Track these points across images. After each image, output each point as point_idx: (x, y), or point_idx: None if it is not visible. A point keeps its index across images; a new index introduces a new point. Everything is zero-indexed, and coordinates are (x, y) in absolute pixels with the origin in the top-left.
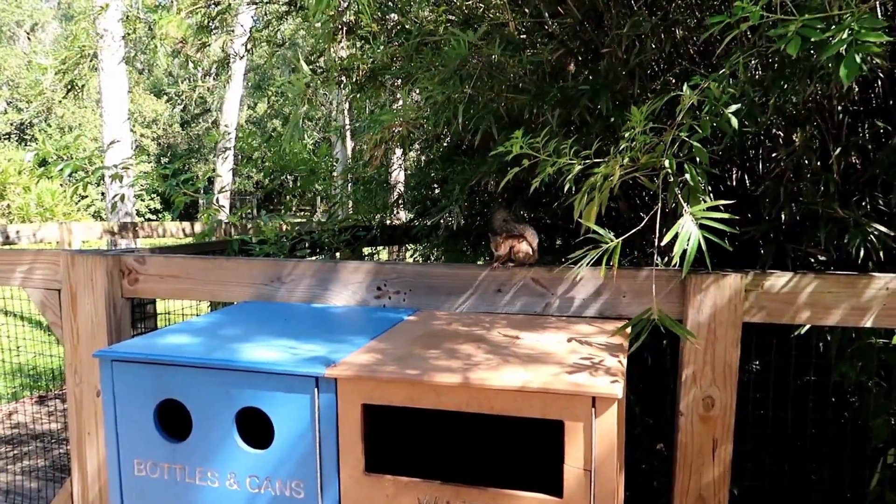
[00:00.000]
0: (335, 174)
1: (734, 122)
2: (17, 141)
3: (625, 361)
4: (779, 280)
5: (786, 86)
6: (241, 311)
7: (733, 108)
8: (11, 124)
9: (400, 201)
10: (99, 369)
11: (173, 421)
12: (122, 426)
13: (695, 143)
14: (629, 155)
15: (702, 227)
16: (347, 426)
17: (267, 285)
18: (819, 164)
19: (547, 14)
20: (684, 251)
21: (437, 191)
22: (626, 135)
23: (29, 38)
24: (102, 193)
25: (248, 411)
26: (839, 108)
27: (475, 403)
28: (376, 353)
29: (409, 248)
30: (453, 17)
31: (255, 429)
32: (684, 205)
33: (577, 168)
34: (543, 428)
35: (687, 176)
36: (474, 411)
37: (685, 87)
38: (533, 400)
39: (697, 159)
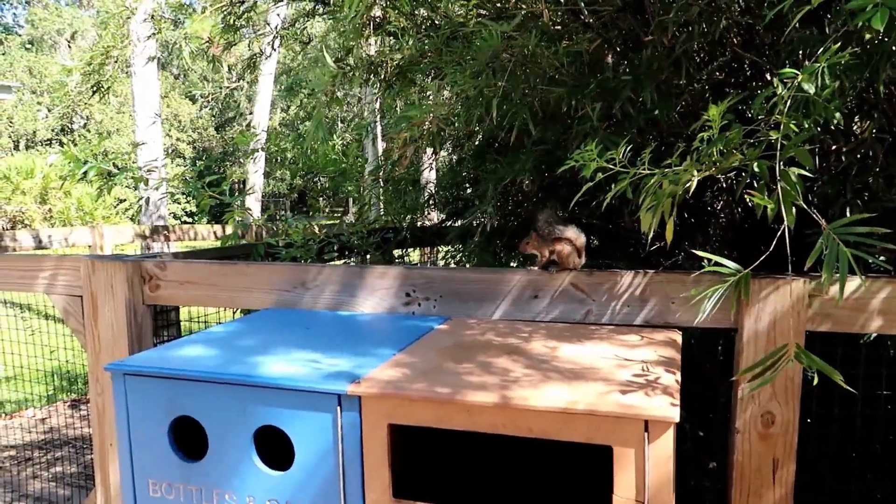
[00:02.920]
0: (365, 175)
1: (838, 117)
2: (58, 146)
3: (680, 378)
4: (847, 286)
5: (868, 71)
6: (261, 319)
7: (835, 103)
8: (52, 130)
9: (431, 201)
10: (111, 383)
11: (189, 438)
12: (137, 444)
13: (798, 148)
14: (711, 158)
15: (847, 243)
16: (373, 447)
17: (289, 291)
18: (885, 158)
19: (583, 3)
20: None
21: (468, 190)
22: (704, 135)
23: (69, 47)
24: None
25: (266, 429)
26: None
27: (511, 425)
28: (403, 367)
29: (441, 250)
30: (484, 12)
31: (275, 448)
32: (821, 220)
33: (655, 179)
34: (588, 451)
35: (782, 182)
36: (510, 433)
37: (776, 81)
38: (578, 422)
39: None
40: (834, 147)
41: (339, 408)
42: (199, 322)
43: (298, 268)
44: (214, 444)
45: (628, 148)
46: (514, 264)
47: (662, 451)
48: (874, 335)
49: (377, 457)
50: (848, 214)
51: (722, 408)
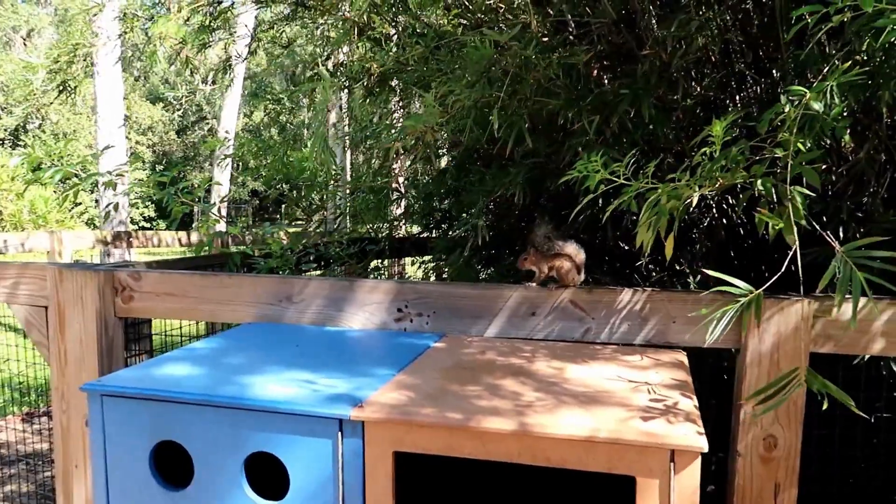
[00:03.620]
0: (338, 184)
1: (848, 138)
2: (10, 147)
3: (697, 404)
4: (850, 306)
5: (869, 91)
6: (247, 334)
7: (843, 122)
8: (6, 130)
9: (408, 213)
10: (87, 404)
11: (172, 465)
12: (114, 470)
13: (805, 167)
14: (713, 174)
15: (860, 266)
16: (376, 477)
17: (274, 305)
18: (889, 178)
19: (569, 16)
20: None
21: (445, 203)
22: (708, 150)
23: (25, 44)
24: (96, 201)
25: (259, 456)
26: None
27: (528, 454)
28: (407, 389)
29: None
30: (465, 22)
31: (267, 476)
32: (835, 243)
33: (659, 193)
34: (608, 482)
35: (792, 203)
36: (526, 462)
37: (783, 99)
38: (598, 451)
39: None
40: (825, 167)
41: (339, 433)
42: (172, 336)
43: (284, 280)
44: (201, 472)
45: (632, 161)
46: (484, 277)
47: (689, 483)
48: (867, 357)
49: (381, 487)
50: (841, 234)
51: (716, 428)
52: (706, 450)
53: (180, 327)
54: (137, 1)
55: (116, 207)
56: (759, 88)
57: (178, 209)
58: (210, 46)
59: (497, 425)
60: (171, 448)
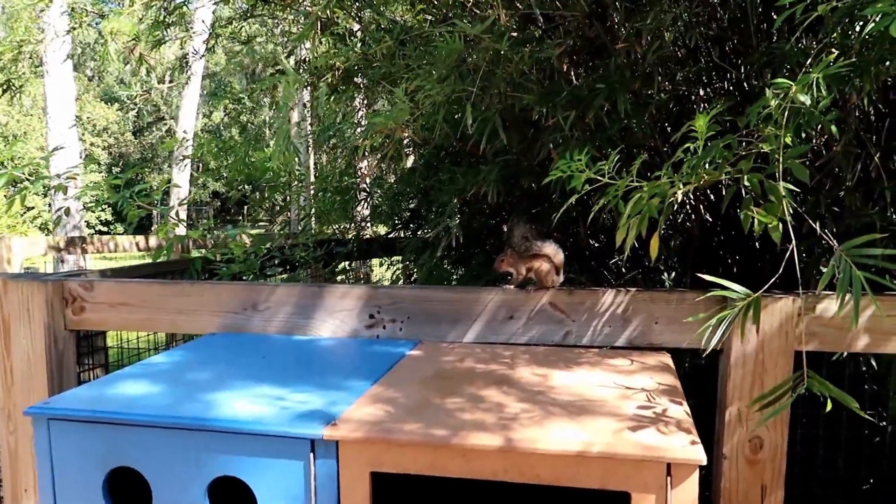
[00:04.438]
0: (302, 184)
1: (835, 130)
2: None
3: (689, 410)
4: (834, 303)
5: (850, 83)
6: (210, 346)
7: (831, 115)
8: None
9: (376, 213)
10: (32, 429)
11: (128, 493)
12: (63, 501)
13: (793, 162)
14: (698, 171)
15: (860, 266)
16: (352, 500)
17: (239, 314)
18: (862, 171)
19: (538, 11)
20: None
21: (414, 202)
22: (691, 146)
23: None
24: (49, 205)
25: (224, 481)
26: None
27: (515, 471)
28: (383, 403)
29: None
30: (431, 17)
31: (234, 503)
32: (833, 242)
33: (646, 191)
34: (599, 498)
35: (777, 199)
36: (514, 480)
37: (768, 91)
38: (591, 466)
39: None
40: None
41: (311, 455)
42: (129, 349)
43: (249, 287)
44: (160, 499)
45: (616, 159)
46: (455, 277)
47: (686, 497)
48: (845, 354)
49: None
50: (818, 229)
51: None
52: (704, 462)
53: (137, 339)
54: None
55: (67, 212)
56: (727, 84)
57: (134, 213)
58: (165, 44)
59: (483, 441)
60: (128, 474)
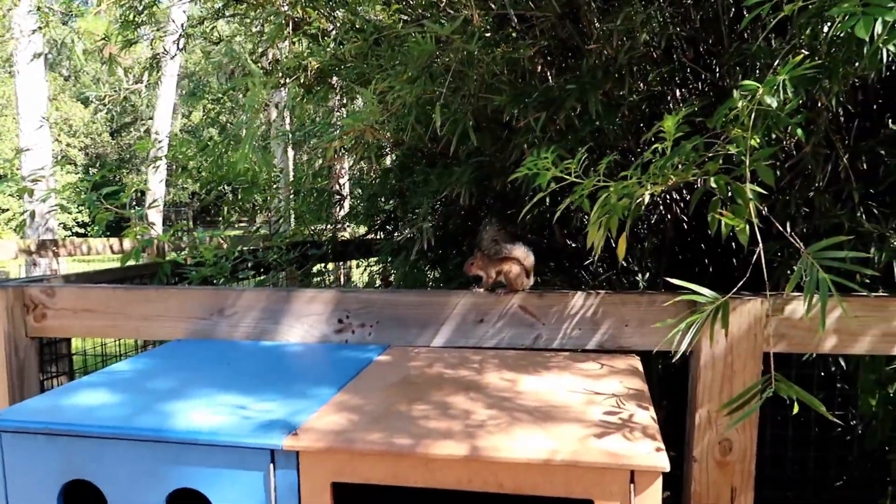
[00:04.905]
0: (278, 185)
1: (801, 133)
2: None
3: (655, 415)
4: (802, 305)
5: (826, 82)
6: (175, 353)
7: (798, 118)
8: None
9: (352, 214)
10: None
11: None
12: None
13: (760, 164)
14: (665, 172)
15: (826, 268)
16: None
17: (205, 319)
18: (831, 172)
19: (512, 11)
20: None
21: (390, 203)
22: (660, 147)
23: None
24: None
25: (183, 493)
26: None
27: (479, 480)
28: (347, 411)
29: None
30: (405, 17)
31: None
32: (800, 245)
33: (612, 191)
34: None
35: (744, 200)
36: (478, 490)
37: (736, 93)
38: (555, 474)
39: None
40: (771, 162)
41: (272, 465)
42: (95, 355)
43: (215, 292)
44: None
45: (583, 158)
46: (431, 278)
47: None
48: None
49: None
50: (788, 229)
51: (668, 430)
52: (667, 469)
53: (103, 346)
54: None
55: (33, 215)
56: (700, 84)
57: (102, 216)
58: (136, 43)
59: (447, 451)
60: (84, 487)
